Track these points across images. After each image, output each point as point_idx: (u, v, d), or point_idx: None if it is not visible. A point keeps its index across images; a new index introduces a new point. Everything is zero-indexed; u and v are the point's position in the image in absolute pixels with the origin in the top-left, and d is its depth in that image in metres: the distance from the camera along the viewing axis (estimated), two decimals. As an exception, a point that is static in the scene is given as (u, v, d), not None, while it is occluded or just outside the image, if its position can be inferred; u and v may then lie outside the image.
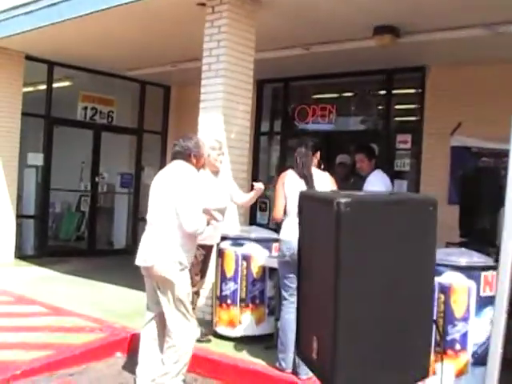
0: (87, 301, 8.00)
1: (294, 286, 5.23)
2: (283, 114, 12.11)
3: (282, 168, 7.43)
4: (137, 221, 13.23)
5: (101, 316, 7.08)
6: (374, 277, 2.15)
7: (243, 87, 7.32)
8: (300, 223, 2.67)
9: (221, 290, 6.36)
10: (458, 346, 4.90)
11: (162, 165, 13.21)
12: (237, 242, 6.30)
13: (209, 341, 6.24)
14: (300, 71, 10.98)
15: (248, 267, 6.26)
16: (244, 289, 6.26)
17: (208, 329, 6.46)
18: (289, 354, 5.26)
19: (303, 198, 2.58)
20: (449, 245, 6.79)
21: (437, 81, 9.93)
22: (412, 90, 10.48)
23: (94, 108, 12.40)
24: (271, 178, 12.35)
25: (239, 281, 6.26)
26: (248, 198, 6.15)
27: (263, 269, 6.29)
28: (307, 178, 5.27)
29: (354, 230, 2.06)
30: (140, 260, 4.90)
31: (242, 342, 6.23)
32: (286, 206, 5.30)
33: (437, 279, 4.93)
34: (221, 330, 6.38)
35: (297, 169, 5.33)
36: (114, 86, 12.55)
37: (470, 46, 8.35)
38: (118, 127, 12.88)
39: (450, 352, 4.89)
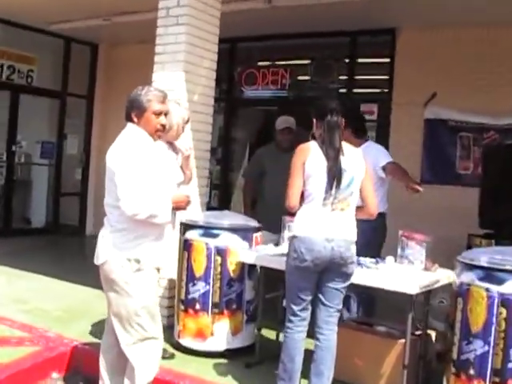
0: (7, 297, 6.49)
1: (309, 299, 4.03)
2: (228, 79, 10.76)
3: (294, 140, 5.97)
4: (58, 196, 11.79)
5: (28, 320, 5.62)
6: None
7: (208, 39, 5.99)
8: None
9: (187, 292, 5.04)
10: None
11: (88, 133, 12.05)
12: (208, 231, 4.98)
13: (172, 356, 4.93)
14: (250, 31, 9.67)
15: (223, 264, 4.96)
16: (218, 291, 4.97)
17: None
18: (294, 384, 4.06)
19: None
20: (472, 238, 5.71)
21: (408, 45, 8.84)
22: (380, 56, 9.35)
23: (11, 66, 10.68)
24: (214, 151, 11.02)
25: (211, 281, 4.96)
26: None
27: (242, 266, 5.01)
28: (335, 157, 4.00)
29: None
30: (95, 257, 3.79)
31: (214, 357, 4.96)
32: (303, 190, 4.03)
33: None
34: (186, 342, 5.07)
35: (323, 143, 4.04)
36: (34, 42, 10.85)
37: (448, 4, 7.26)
38: (38, 89, 11.20)
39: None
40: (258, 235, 5.18)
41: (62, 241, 10.96)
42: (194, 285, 4.99)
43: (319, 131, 4.09)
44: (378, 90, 9.42)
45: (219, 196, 10.51)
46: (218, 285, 4.96)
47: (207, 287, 4.96)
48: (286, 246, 4.24)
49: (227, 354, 4.99)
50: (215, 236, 4.97)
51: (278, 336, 5.33)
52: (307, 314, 4.10)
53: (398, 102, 8.96)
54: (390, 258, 4.60)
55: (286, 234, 4.95)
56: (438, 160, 8.63)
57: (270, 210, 5.77)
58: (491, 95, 8.04)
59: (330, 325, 4.06)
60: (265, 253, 4.79)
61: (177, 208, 3.83)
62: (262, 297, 4.97)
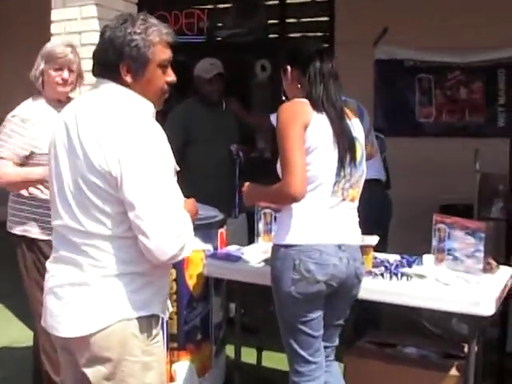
0: None
1: (320, 333, 2.66)
2: (133, 26, 9.06)
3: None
4: None
5: None
6: None
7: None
8: None
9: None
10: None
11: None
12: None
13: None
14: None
15: (179, 279, 3.44)
16: (174, 318, 3.46)
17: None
18: None
19: None
20: None
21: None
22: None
23: None
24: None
25: (164, 305, 3.46)
26: None
27: (205, 279, 3.52)
28: (340, 119, 2.67)
29: None
30: (50, 324, 2.13)
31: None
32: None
33: None
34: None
35: (320, 98, 2.64)
36: None
37: None
38: None
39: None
40: (223, 231, 3.70)
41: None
42: (139, 311, 3.46)
43: (297, 83, 2.76)
44: (317, 34, 8.04)
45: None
46: (174, 309, 3.44)
47: (159, 314, 3.45)
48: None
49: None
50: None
51: (259, 356, 3.93)
52: (322, 357, 2.75)
53: (341, 42, 7.58)
54: (428, 257, 3.21)
55: (263, 228, 3.53)
56: (393, 107, 7.37)
57: (203, 193, 4.26)
58: (454, 29, 6.79)
59: (328, 361, 2.84)
60: (245, 261, 3.30)
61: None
62: (240, 317, 3.52)
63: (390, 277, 2.96)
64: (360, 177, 2.72)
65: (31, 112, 3.30)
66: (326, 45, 7.29)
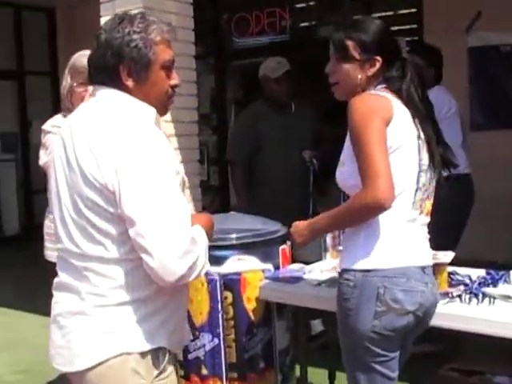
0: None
1: (397, 373, 2.27)
2: (213, 30, 8.83)
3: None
4: (31, 195, 9.97)
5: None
6: None
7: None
8: None
9: (186, 350, 3.16)
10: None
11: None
12: (209, 253, 3.13)
13: None
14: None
15: (236, 302, 3.13)
16: (233, 345, 3.14)
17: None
18: None
19: None
20: None
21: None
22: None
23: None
24: (207, 118, 9.10)
25: (221, 331, 3.14)
26: None
27: (265, 302, 3.18)
28: (426, 119, 2.28)
29: None
30: (52, 355, 1.95)
31: None
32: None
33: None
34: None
35: (409, 94, 2.26)
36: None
37: None
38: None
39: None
40: (286, 247, 3.34)
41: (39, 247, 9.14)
42: (196, 338, 3.16)
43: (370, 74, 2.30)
44: (404, 27, 7.56)
45: (219, 172, 8.67)
46: (232, 336, 3.14)
47: (216, 341, 3.13)
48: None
49: None
50: (220, 260, 3.11)
51: (332, 378, 3.53)
52: None
53: (430, 32, 7.07)
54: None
55: (331, 243, 3.18)
56: (492, 97, 6.80)
57: (274, 204, 3.99)
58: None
59: None
60: (306, 283, 2.95)
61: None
62: (305, 344, 3.17)
63: (470, 299, 2.52)
64: (434, 187, 2.30)
65: None
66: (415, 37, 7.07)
